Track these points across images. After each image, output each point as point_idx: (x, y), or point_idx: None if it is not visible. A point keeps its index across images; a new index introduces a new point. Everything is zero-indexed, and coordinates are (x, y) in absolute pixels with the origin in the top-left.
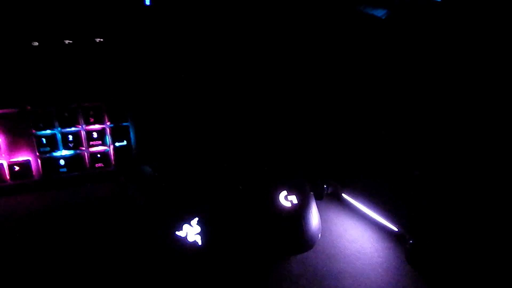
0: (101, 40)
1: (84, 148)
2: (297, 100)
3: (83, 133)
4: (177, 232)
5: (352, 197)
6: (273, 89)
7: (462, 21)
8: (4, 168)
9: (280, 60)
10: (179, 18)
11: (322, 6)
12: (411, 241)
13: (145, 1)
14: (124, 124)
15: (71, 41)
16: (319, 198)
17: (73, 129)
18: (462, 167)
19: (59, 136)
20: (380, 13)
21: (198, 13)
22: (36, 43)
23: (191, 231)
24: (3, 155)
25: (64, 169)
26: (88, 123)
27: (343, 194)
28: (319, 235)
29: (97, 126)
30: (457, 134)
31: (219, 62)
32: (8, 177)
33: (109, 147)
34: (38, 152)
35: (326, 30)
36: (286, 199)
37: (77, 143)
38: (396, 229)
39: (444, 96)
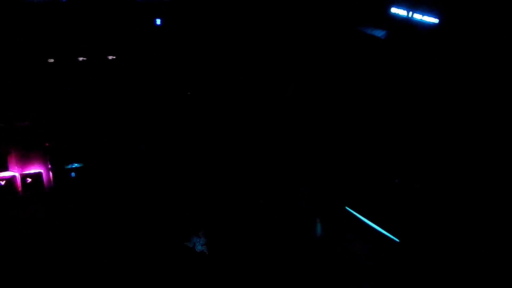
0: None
1: None
2: (300, 112)
3: None
4: (185, 243)
5: (355, 209)
6: (279, 102)
7: (460, 44)
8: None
9: (284, 77)
10: (189, 39)
11: (323, 26)
12: (413, 252)
13: (156, 22)
14: None
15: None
16: (320, 211)
17: None
18: (461, 179)
19: None
20: (379, 33)
21: (208, 33)
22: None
23: (198, 242)
24: None
25: None
26: None
27: (345, 206)
28: (322, 245)
29: None
30: (456, 149)
31: (228, 78)
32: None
33: None
34: None
35: (328, 50)
36: (288, 210)
37: None
38: (397, 240)
39: (443, 112)
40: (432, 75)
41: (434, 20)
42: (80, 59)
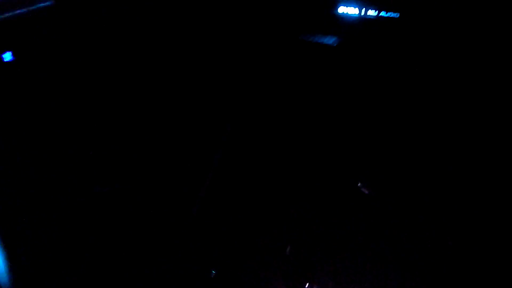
0: None
1: None
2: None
3: None
4: None
5: None
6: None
7: (426, 38)
8: None
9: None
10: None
11: (269, 39)
12: None
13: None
14: None
15: None
16: None
17: None
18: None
19: None
20: (330, 40)
21: None
22: None
23: None
24: None
25: None
26: None
27: None
28: None
29: None
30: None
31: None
32: None
33: None
34: None
35: (278, 65)
36: None
37: None
38: None
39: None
40: (402, 79)
41: (393, 15)
42: None
